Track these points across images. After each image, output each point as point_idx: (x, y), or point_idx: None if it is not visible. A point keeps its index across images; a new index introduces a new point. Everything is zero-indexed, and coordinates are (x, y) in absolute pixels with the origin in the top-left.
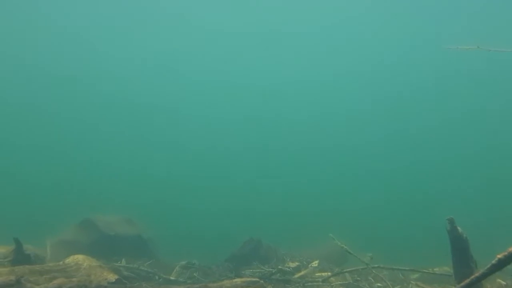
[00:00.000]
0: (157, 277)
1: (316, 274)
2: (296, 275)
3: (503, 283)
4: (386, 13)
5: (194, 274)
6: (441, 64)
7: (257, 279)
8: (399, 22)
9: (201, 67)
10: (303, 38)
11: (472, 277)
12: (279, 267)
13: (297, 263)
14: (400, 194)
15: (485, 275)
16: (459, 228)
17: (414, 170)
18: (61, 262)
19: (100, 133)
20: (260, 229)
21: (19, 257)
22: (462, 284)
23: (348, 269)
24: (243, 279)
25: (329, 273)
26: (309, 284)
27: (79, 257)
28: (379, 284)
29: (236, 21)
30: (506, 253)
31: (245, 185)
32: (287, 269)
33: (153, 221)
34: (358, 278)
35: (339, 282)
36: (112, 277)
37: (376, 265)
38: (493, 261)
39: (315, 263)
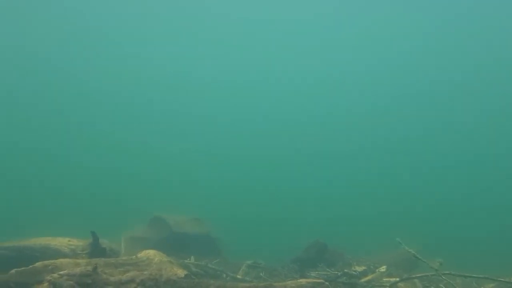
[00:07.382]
0: (224, 275)
1: (384, 279)
2: (363, 279)
3: None
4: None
5: (260, 273)
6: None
7: (322, 281)
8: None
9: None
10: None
11: None
12: (345, 270)
13: (364, 267)
14: (468, 195)
15: None
16: None
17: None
18: (134, 257)
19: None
20: (325, 234)
21: (96, 250)
22: None
23: (417, 275)
24: (308, 280)
25: (397, 279)
26: None
27: (151, 252)
28: None
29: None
30: None
31: (312, 190)
32: (354, 272)
33: (219, 222)
34: (428, 285)
35: None
36: (182, 272)
37: (446, 272)
38: None
39: (382, 268)
